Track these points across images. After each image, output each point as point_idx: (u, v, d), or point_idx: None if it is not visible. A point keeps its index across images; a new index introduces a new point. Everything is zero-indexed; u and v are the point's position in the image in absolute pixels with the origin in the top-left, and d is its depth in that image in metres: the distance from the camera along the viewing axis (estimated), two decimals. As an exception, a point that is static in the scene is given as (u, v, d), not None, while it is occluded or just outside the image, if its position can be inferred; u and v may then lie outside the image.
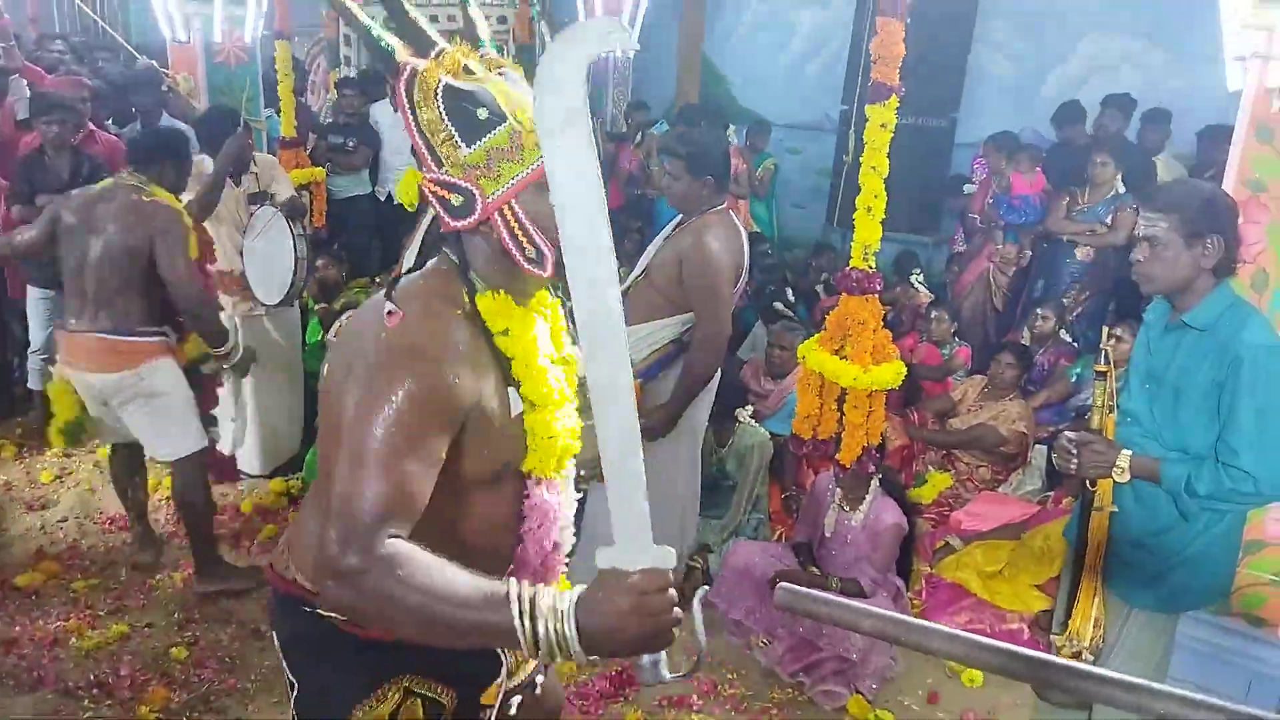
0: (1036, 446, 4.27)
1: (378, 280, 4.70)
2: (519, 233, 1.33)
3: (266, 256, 3.87)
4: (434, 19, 6.81)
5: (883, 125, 3.06)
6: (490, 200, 1.32)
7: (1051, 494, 4.07)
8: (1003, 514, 3.87)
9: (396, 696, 1.47)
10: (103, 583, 3.47)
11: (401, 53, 1.33)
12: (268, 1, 5.08)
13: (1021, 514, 3.84)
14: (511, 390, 1.38)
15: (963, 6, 6.72)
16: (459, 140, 1.32)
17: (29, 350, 4.52)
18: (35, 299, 4.40)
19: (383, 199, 6.51)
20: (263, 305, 4.01)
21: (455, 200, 1.33)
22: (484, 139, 1.31)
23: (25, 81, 5.40)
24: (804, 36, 7.93)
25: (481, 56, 1.38)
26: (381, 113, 6.44)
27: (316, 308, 4.67)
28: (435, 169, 1.33)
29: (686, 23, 7.87)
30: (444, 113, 1.32)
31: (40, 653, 3.06)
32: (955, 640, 1.09)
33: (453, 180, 1.33)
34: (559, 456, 1.45)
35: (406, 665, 1.46)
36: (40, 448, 4.37)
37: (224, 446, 4.21)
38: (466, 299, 1.38)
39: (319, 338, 4.52)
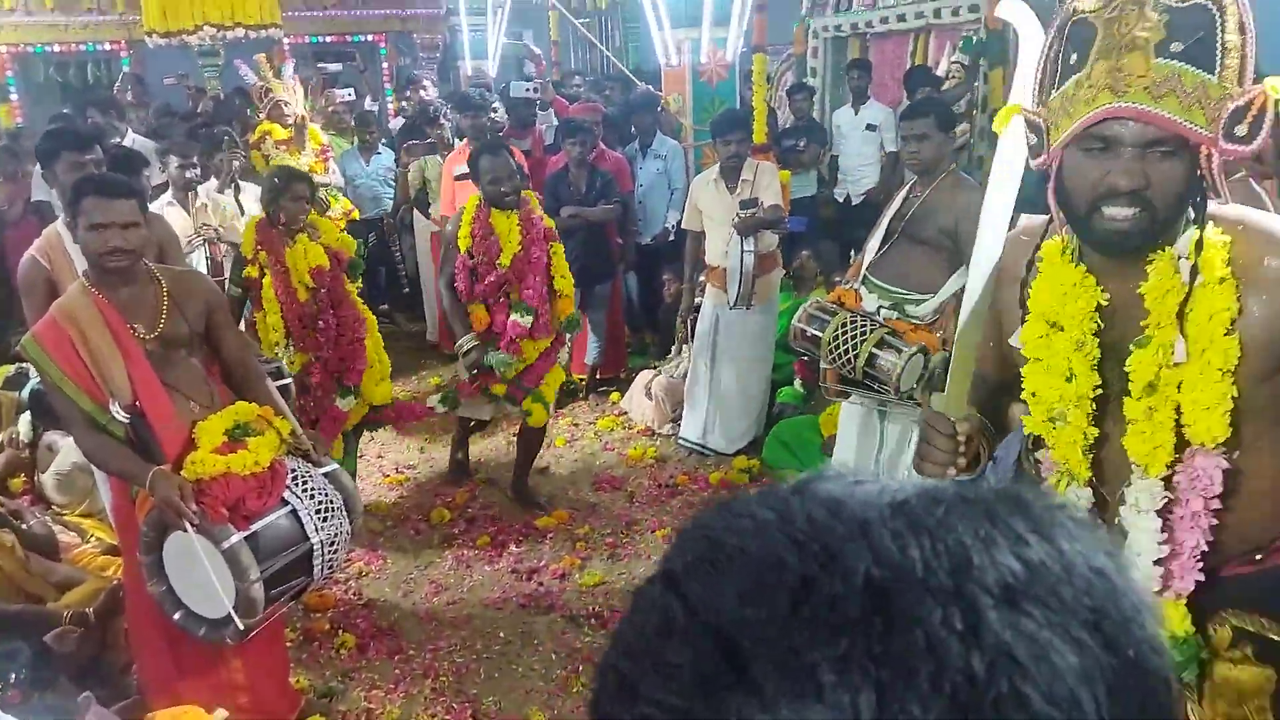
0: None
1: (837, 279, 4.85)
2: (1052, 187, 1.37)
3: (731, 263, 4.34)
4: (901, 18, 6.81)
5: None
6: (1052, 146, 1.33)
7: None
8: None
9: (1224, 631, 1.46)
10: (599, 531, 4.06)
11: None
12: (748, 20, 5.48)
13: None
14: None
15: None
16: (1056, 80, 1.33)
17: None
18: None
19: (841, 200, 6.70)
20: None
21: (1032, 139, 1.37)
22: (1066, 83, 1.31)
23: (552, 111, 6.50)
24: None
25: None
26: (843, 118, 6.65)
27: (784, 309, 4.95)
28: (1033, 105, 1.37)
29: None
30: (1062, 47, 1.32)
31: (553, 583, 3.68)
32: None
33: (1037, 119, 1.36)
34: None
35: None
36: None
37: (689, 431, 4.70)
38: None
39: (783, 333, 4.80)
